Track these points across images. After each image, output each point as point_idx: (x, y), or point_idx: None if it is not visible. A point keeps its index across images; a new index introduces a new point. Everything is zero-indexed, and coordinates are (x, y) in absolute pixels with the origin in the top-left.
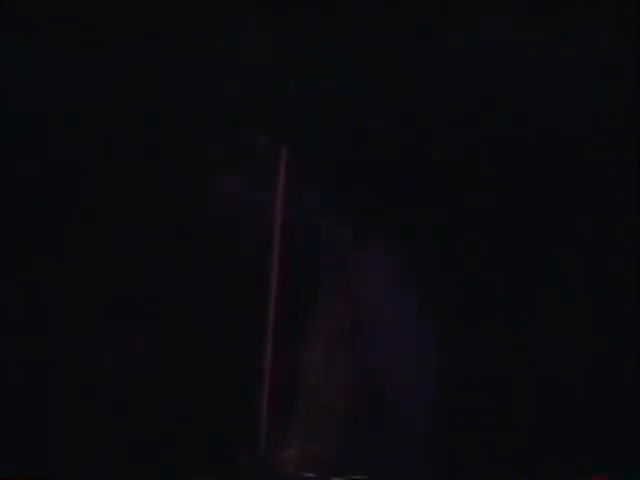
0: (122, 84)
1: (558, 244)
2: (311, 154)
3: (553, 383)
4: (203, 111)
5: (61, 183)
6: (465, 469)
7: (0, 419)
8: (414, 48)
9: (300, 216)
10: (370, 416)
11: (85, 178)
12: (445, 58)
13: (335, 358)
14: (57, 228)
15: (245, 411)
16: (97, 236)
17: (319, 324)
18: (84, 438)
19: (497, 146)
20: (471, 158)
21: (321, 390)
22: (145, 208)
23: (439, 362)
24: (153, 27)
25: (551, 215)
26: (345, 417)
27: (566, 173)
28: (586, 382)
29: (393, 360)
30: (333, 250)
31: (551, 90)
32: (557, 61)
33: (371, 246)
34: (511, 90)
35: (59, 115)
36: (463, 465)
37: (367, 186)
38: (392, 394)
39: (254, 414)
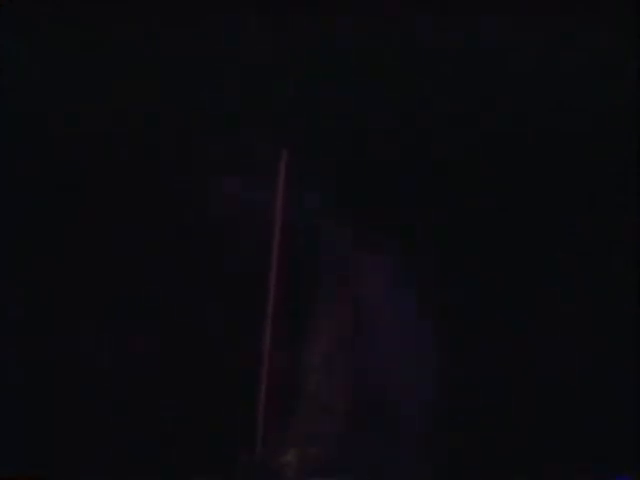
0: (122, 84)
1: (558, 244)
2: (311, 154)
3: (553, 383)
4: (203, 111)
5: (61, 183)
6: (465, 469)
7: (0, 419)
8: (414, 48)
9: (300, 216)
10: (370, 417)
11: (85, 178)
12: (445, 58)
13: (335, 359)
14: (57, 228)
15: (243, 411)
16: (97, 236)
17: (319, 324)
18: (84, 438)
19: (497, 146)
20: (471, 158)
21: (320, 391)
22: (145, 208)
23: (439, 362)
24: (153, 27)
25: (551, 215)
26: (345, 419)
27: (566, 173)
28: (586, 382)
29: (393, 360)
30: (333, 250)
31: (551, 90)
32: (557, 61)
33: (371, 246)
34: (511, 90)
35: (59, 115)
36: (463, 465)
37: (367, 186)
38: (392, 394)
39: (252, 415)
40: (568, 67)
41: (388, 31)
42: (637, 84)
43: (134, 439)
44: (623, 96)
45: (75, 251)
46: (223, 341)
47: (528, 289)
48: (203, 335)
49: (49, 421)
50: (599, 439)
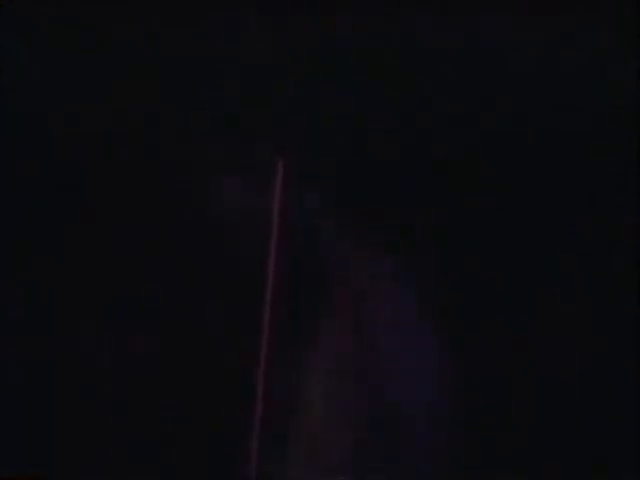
0: (122, 84)
1: (558, 244)
2: (311, 154)
3: (553, 383)
4: (203, 111)
5: (61, 183)
6: (465, 469)
7: (0, 419)
8: (414, 48)
9: (300, 216)
10: (372, 418)
11: (85, 178)
12: (445, 58)
13: (337, 361)
14: (57, 228)
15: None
16: (97, 236)
17: (319, 325)
18: (84, 438)
19: (497, 146)
20: (471, 158)
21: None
22: (145, 208)
23: (441, 364)
24: (153, 27)
25: (551, 215)
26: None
27: (566, 173)
28: (586, 382)
29: (393, 360)
30: (333, 250)
31: (551, 90)
32: (557, 61)
33: (371, 246)
34: (511, 90)
35: (59, 115)
36: (463, 465)
37: (367, 186)
38: (392, 394)
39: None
40: (568, 67)
41: (388, 31)
42: (637, 84)
43: (134, 439)
44: (623, 96)
45: (75, 251)
46: (223, 341)
47: (528, 289)
48: (203, 335)
49: (49, 421)
50: (599, 439)
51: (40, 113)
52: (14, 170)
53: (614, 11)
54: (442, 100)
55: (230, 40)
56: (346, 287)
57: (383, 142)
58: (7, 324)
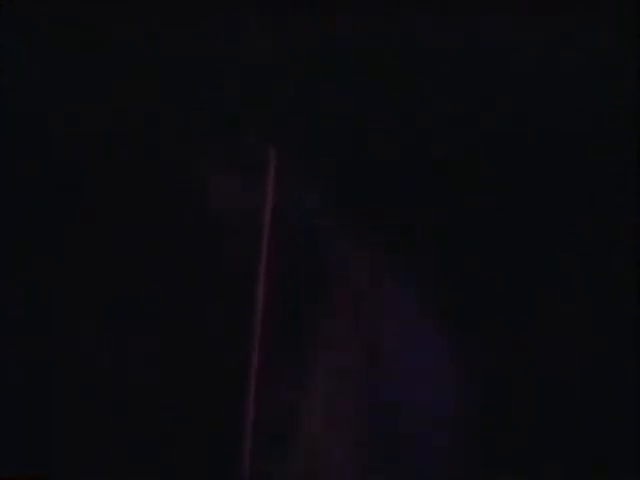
0: (122, 84)
1: (558, 244)
2: (311, 154)
3: (553, 383)
4: (203, 111)
5: (61, 183)
6: (465, 469)
7: (0, 419)
8: (414, 48)
9: (299, 216)
10: (372, 417)
11: (85, 178)
12: (445, 58)
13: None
14: (57, 228)
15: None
16: (97, 236)
17: (318, 326)
18: (84, 438)
19: (497, 146)
20: (471, 158)
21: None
22: (145, 208)
23: (438, 362)
24: (153, 27)
25: (551, 215)
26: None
27: (566, 173)
28: (586, 382)
29: (392, 360)
30: (332, 250)
31: (551, 90)
32: (557, 61)
33: (371, 246)
34: (511, 90)
35: (59, 115)
36: (463, 465)
37: (367, 186)
38: (391, 394)
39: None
40: (568, 67)
41: (388, 31)
42: (637, 84)
43: (134, 439)
44: (623, 96)
45: (75, 251)
46: (223, 341)
47: (528, 289)
48: (203, 335)
49: (49, 421)
50: (599, 439)
51: (40, 113)
52: (14, 170)
53: (614, 11)
54: (442, 100)
55: (230, 40)
56: (345, 287)
57: (383, 142)
58: (7, 324)
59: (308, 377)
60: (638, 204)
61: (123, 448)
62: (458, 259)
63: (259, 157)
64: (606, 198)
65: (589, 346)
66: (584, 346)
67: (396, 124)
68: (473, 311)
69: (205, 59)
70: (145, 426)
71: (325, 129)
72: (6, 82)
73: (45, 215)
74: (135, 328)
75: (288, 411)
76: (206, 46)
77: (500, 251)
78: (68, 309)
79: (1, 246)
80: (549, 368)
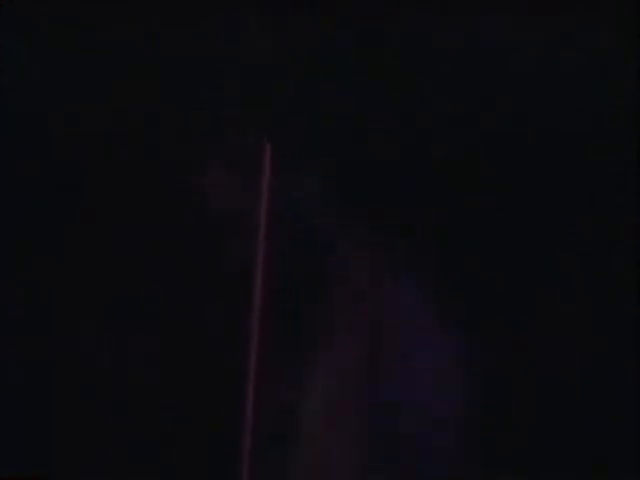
0: (122, 84)
1: (558, 244)
2: (311, 154)
3: (553, 383)
4: (203, 111)
5: (61, 183)
6: (465, 469)
7: (0, 419)
8: (414, 48)
9: (299, 216)
10: (371, 417)
11: (85, 178)
12: (445, 58)
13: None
14: (57, 228)
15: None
16: (97, 236)
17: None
18: (84, 438)
19: (497, 146)
20: (471, 158)
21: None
22: (145, 208)
23: (438, 362)
24: (153, 27)
25: (551, 215)
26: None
27: (566, 173)
28: (586, 382)
29: (392, 360)
30: (333, 250)
31: (551, 90)
32: (557, 61)
33: (371, 246)
34: (511, 90)
35: (59, 115)
36: (463, 465)
37: (367, 186)
38: (391, 394)
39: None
40: (568, 67)
41: (388, 31)
42: (637, 84)
43: (134, 439)
44: (623, 96)
45: (75, 251)
46: (222, 341)
47: (528, 289)
48: (203, 335)
49: (49, 421)
50: (599, 439)
51: (40, 113)
52: (14, 170)
53: (614, 11)
54: (442, 100)
55: (230, 40)
56: (344, 287)
57: (383, 142)
58: (7, 324)
59: (307, 377)
60: (638, 204)
61: (123, 448)
62: (458, 259)
63: (259, 157)
64: (606, 198)
65: (589, 346)
66: (584, 346)
67: (396, 124)
68: (473, 311)
69: (205, 59)
70: (145, 426)
71: (325, 129)
72: (6, 82)
73: (45, 215)
74: (135, 328)
75: (287, 411)
76: (206, 46)
77: (500, 251)
78: (68, 309)
79: (1, 246)
80: (549, 368)
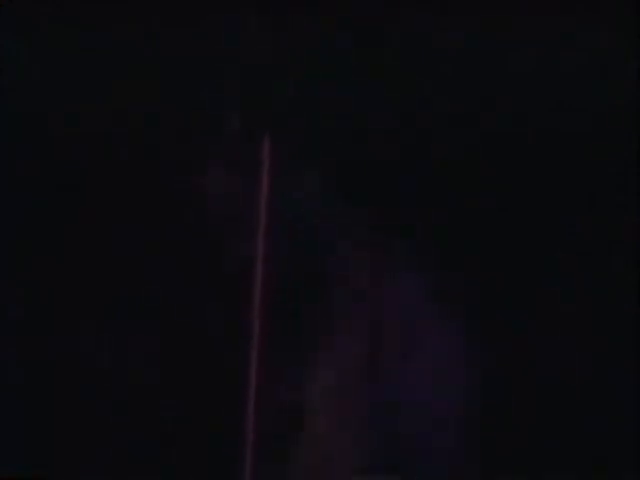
0: (122, 84)
1: (558, 244)
2: (310, 154)
3: (553, 383)
4: (203, 111)
5: (61, 183)
6: (465, 469)
7: (0, 419)
8: (414, 48)
9: (299, 216)
10: (371, 417)
11: (85, 178)
12: (445, 58)
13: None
14: (57, 228)
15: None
16: (97, 236)
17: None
18: (84, 438)
19: (497, 146)
20: (471, 158)
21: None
22: (145, 208)
23: (438, 362)
24: (153, 27)
25: (551, 215)
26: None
27: (566, 173)
28: (586, 382)
29: (392, 360)
30: (333, 250)
31: (551, 90)
32: (557, 61)
33: (371, 246)
34: (511, 90)
35: (59, 115)
36: (463, 465)
37: (367, 186)
38: (392, 394)
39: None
40: (568, 67)
41: (388, 31)
42: (637, 84)
43: (134, 439)
44: (623, 96)
45: (75, 251)
46: (223, 341)
47: (528, 289)
48: (203, 335)
49: (49, 421)
50: (599, 439)
51: (40, 113)
52: (14, 170)
53: (614, 11)
54: (442, 100)
55: (230, 40)
56: (345, 287)
57: (383, 142)
58: (7, 324)
59: (307, 377)
60: (638, 204)
61: (123, 448)
62: (458, 259)
63: (259, 157)
64: (606, 198)
65: (589, 346)
66: (584, 346)
67: (396, 124)
68: (473, 311)
69: (205, 59)
70: (145, 426)
71: (325, 129)
72: (6, 82)
73: (45, 215)
74: (135, 328)
75: (288, 410)
76: (206, 46)
77: (500, 251)
78: (68, 309)
79: (1, 246)
80: (549, 368)
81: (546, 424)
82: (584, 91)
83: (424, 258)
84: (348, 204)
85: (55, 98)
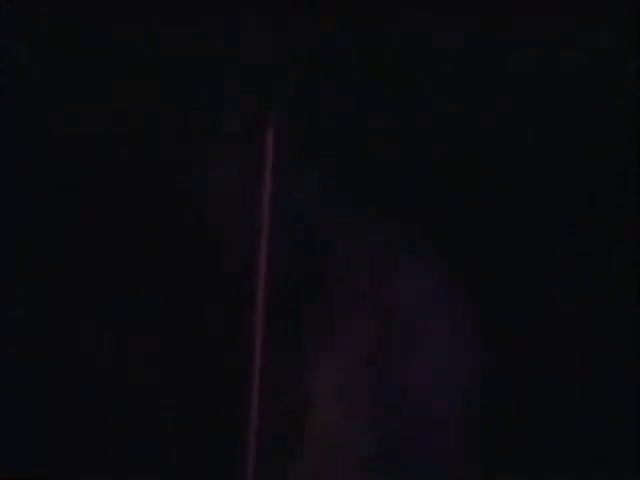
0: (122, 84)
1: (558, 244)
2: (310, 154)
3: (553, 383)
4: (203, 111)
5: (61, 183)
6: (464, 469)
7: (0, 419)
8: (414, 48)
9: (299, 216)
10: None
11: (85, 178)
12: (445, 58)
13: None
14: (57, 228)
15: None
16: (97, 236)
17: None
18: (84, 438)
19: (497, 146)
20: (471, 158)
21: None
22: (145, 208)
23: (438, 362)
24: (153, 27)
25: (551, 215)
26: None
27: (566, 173)
28: (586, 382)
29: (392, 360)
30: (333, 250)
31: (551, 90)
32: (557, 61)
33: (370, 246)
34: (511, 90)
35: (59, 115)
36: (462, 465)
37: (367, 186)
38: (391, 394)
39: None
40: (568, 67)
41: (388, 31)
42: (637, 84)
43: (134, 439)
44: (623, 96)
45: (75, 251)
46: (223, 341)
47: (528, 289)
48: (203, 335)
49: (49, 421)
50: (599, 439)
51: (40, 113)
52: (14, 170)
53: (614, 11)
54: (442, 100)
55: (230, 40)
56: (345, 287)
57: (383, 142)
58: (7, 324)
59: (307, 377)
60: (638, 204)
61: (123, 448)
62: (458, 259)
63: (259, 157)
64: (606, 198)
65: (589, 346)
66: (584, 346)
67: (396, 124)
68: (473, 311)
69: (205, 59)
70: (145, 426)
71: (325, 129)
72: (6, 82)
73: (45, 215)
74: (135, 328)
75: (290, 411)
76: (206, 46)
77: (500, 251)
78: (68, 309)
79: (1, 246)
80: (549, 368)
81: (546, 424)
82: (584, 91)
83: (424, 258)
84: (348, 204)
85: (55, 98)
